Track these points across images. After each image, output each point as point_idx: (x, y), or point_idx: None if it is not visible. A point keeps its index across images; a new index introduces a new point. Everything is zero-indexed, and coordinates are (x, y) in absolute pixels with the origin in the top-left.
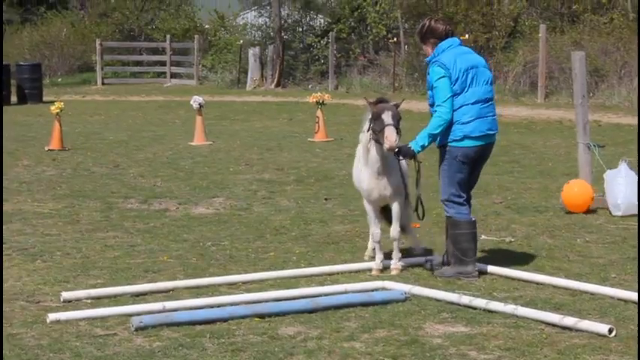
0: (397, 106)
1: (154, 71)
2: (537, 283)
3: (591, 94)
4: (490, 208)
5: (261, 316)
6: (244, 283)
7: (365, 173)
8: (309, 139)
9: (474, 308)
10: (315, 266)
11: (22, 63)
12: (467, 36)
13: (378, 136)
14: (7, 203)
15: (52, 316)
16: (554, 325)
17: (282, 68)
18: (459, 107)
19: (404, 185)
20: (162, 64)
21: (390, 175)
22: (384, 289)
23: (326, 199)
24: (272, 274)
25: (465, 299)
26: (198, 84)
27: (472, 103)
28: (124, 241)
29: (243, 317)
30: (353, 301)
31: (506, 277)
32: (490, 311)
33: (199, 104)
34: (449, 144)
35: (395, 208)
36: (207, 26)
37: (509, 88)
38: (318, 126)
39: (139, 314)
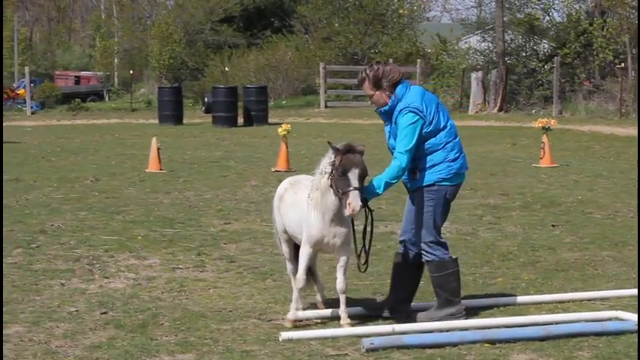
0: (362, 152)
1: None
2: None
3: None
4: None
5: (492, 342)
6: (473, 308)
7: (315, 219)
8: (534, 165)
9: None
10: (545, 294)
11: (248, 86)
12: None
13: (339, 193)
14: (236, 222)
15: (284, 335)
16: None
17: (505, 93)
18: (444, 145)
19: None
20: None
21: (341, 224)
22: (617, 319)
23: (553, 226)
24: (501, 300)
25: None
26: None
27: (454, 139)
28: (351, 262)
29: (473, 342)
30: (585, 330)
31: None
32: None
33: None
34: (438, 183)
35: (342, 258)
36: (429, 50)
37: None
38: (544, 151)
39: (368, 336)
